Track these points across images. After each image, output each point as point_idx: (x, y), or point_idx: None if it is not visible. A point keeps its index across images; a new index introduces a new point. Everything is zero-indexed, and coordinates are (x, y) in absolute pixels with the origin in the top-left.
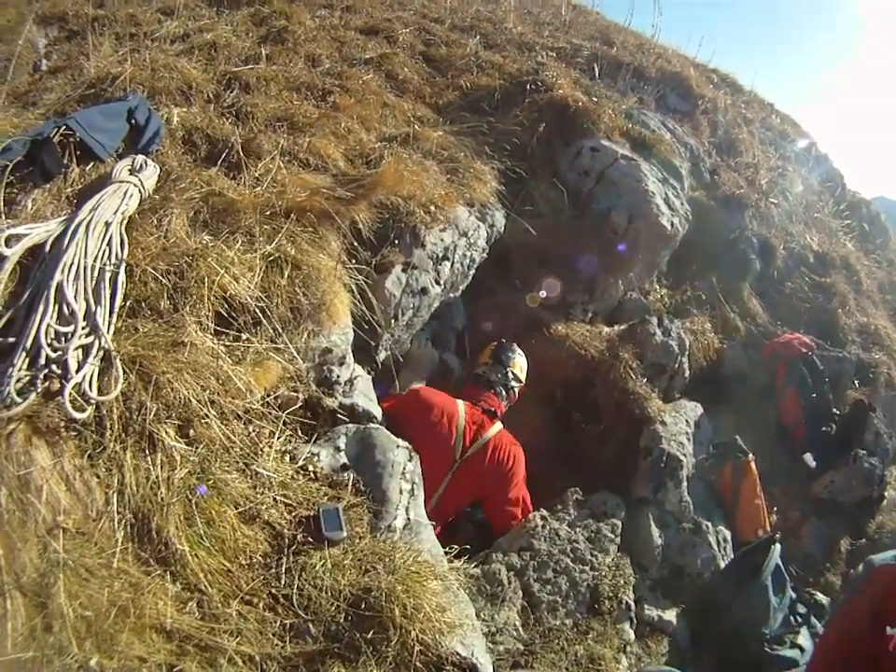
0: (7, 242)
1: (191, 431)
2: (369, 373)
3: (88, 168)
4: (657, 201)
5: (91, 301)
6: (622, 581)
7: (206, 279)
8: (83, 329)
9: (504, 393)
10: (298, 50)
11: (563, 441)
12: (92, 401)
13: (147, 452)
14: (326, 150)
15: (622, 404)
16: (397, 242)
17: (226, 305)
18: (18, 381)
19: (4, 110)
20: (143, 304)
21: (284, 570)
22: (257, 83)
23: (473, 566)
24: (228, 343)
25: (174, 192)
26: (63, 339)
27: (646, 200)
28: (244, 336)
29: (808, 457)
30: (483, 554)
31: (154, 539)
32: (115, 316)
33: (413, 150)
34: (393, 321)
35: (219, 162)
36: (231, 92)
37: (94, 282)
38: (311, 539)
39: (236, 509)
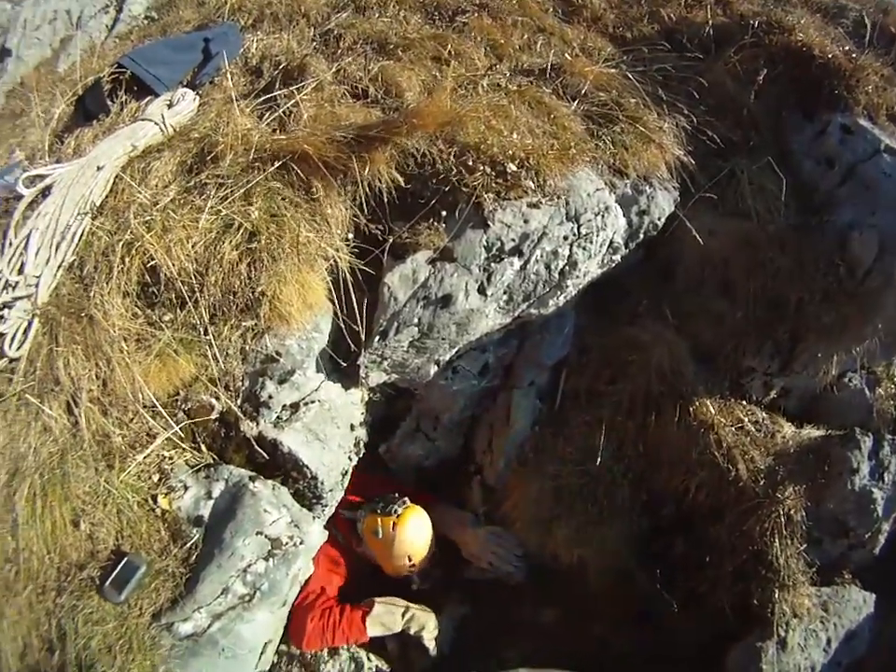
0: (33, 181)
1: (78, 412)
2: (371, 401)
3: (144, 103)
4: None
5: (52, 254)
6: None
7: (132, 244)
8: (35, 278)
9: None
10: None
11: (632, 583)
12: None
13: (33, 418)
14: (397, 77)
15: (741, 576)
16: (443, 213)
17: (150, 278)
18: None
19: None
20: (76, 263)
21: (68, 592)
22: (375, 3)
23: None
24: (139, 326)
25: (183, 131)
26: (11, 288)
27: None
28: (166, 318)
29: None
30: None
31: (13, 499)
32: (61, 270)
33: (549, 87)
34: (378, 339)
35: (255, 93)
36: (342, 14)
37: (63, 231)
38: (99, 581)
39: (71, 506)
